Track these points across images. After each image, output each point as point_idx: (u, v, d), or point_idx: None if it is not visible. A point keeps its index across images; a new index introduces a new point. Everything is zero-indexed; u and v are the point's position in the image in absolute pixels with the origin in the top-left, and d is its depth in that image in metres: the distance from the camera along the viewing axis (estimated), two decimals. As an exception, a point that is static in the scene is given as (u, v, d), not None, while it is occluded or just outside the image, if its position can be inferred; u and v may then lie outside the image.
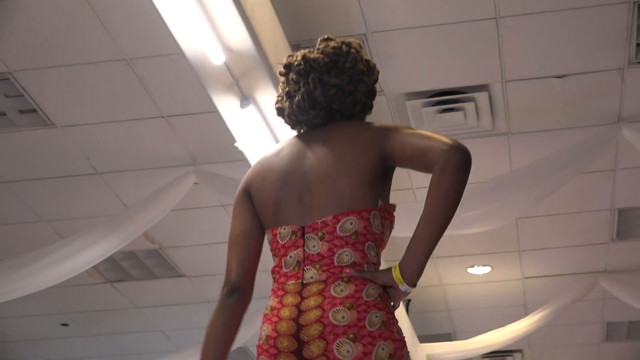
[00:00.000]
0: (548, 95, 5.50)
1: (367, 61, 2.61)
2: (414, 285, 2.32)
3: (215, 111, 4.40)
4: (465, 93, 5.48)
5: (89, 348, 9.40)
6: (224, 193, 6.00)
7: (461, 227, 6.05)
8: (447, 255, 7.50)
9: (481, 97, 5.48)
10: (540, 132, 5.85)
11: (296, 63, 2.56)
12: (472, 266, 7.81)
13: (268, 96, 4.30)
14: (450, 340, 8.94)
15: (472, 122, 5.69)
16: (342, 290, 2.32)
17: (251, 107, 4.29)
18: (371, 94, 2.61)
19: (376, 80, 2.64)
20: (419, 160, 2.33)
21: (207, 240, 7.22)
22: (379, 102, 5.49)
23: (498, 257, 7.69)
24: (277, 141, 4.48)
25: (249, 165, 4.69)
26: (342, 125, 2.53)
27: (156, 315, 8.65)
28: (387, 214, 2.43)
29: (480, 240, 7.23)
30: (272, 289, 2.48)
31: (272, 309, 2.43)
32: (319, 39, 2.62)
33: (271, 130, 4.48)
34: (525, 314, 8.27)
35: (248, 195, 2.56)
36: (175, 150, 5.91)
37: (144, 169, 6.13)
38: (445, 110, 5.59)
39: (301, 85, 2.54)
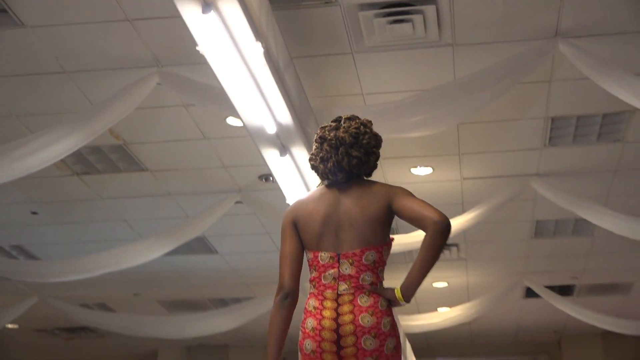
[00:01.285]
0: (492, 9, 5.50)
1: (376, 135, 3.60)
2: (409, 302, 3.38)
3: (178, 16, 4.35)
4: (414, 5, 5.46)
5: (57, 235, 9.43)
6: (186, 93, 5.98)
7: (406, 131, 6.11)
8: (392, 156, 7.58)
9: (429, 9, 5.46)
10: (483, 44, 5.86)
11: (329, 138, 3.53)
12: (415, 167, 7.89)
13: (229, 4, 4.27)
14: (393, 234, 9.09)
15: (419, 33, 5.69)
16: (365, 301, 3.36)
17: (212, 13, 4.26)
18: (378, 159, 3.60)
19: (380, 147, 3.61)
20: (416, 222, 3.36)
21: (169, 137, 7.22)
22: (332, 13, 5.46)
23: (439, 159, 7.78)
24: (235, 45, 4.50)
25: (210, 68, 4.70)
26: (360, 184, 3.55)
27: (120, 206, 8.68)
28: (389, 245, 3.50)
29: (423, 143, 7.31)
30: (312, 293, 3.45)
31: (315, 308, 3.40)
32: (344, 118, 3.57)
33: (231, 36, 4.46)
34: (462, 212, 8.42)
35: (295, 225, 3.52)
36: (139, 52, 5.84)
37: (110, 69, 6.06)
38: (395, 22, 5.57)
39: (332, 155, 3.52)
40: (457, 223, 8.10)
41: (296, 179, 6.06)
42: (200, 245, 9.73)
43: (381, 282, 3.44)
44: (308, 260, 3.52)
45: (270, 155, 5.74)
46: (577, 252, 10.30)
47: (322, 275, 3.45)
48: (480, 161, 7.84)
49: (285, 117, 5.25)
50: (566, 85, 6.46)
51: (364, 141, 3.55)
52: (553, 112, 6.85)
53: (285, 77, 5.10)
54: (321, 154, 3.56)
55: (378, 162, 3.62)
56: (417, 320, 11.24)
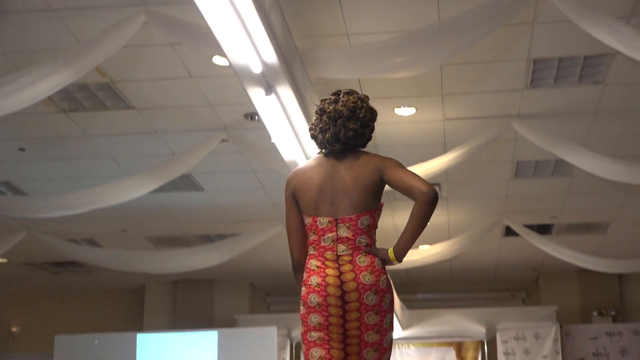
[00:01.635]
0: (476, -48, 5.48)
1: (372, 110, 3.82)
2: (400, 262, 3.72)
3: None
4: (400, -54, 5.43)
5: (44, 171, 9.43)
6: (172, 32, 5.95)
7: (390, 72, 6.11)
8: (376, 96, 7.56)
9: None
10: (467, -14, 5.84)
11: (329, 111, 3.77)
12: (399, 107, 7.89)
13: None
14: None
15: (405, -26, 5.66)
16: (363, 261, 3.66)
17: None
18: (373, 132, 3.85)
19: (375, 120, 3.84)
20: (405, 192, 3.62)
21: (156, 75, 7.19)
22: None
23: (422, 100, 7.79)
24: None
25: (196, 7, 4.68)
26: (355, 154, 3.78)
27: (107, 143, 8.67)
28: (380, 209, 3.76)
29: (407, 84, 7.31)
30: (313, 255, 3.73)
31: (317, 267, 3.68)
32: (343, 92, 3.79)
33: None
34: (444, 151, 8.47)
35: (293, 196, 3.78)
36: (126, -11, 5.80)
37: (97, 7, 6.01)
38: (380, -38, 5.54)
39: (331, 127, 3.75)
40: (439, 163, 8.15)
41: (281, 118, 6.07)
42: (186, 183, 9.76)
43: (374, 244, 3.75)
44: (307, 225, 3.78)
45: (256, 94, 5.74)
46: (556, 192, 10.39)
47: (322, 238, 3.73)
48: (463, 102, 7.86)
49: (271, 56, 5.24)
50: (549, 28, 6.46)
51: (361, 115, 3.78)
52: (535, 54, 6.86)
53: (271, 16, 5.08)
54: (320, 125, 3.81)
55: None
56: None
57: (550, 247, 11.11)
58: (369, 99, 3.84)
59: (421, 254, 11.34)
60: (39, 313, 15.67)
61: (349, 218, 3.70)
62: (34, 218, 9.90)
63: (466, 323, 13.90)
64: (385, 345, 3.72)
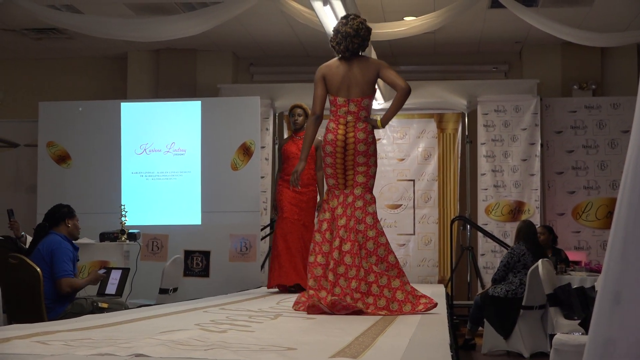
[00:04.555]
0: None
1: (369, 29, 6.54)
2: (384, 127, 6.65)
3: None
4: None
5: None
6: None
7: None
8: None
9: None
10: None
11: (341, 31, 6.48)
12: None
13: None
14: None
15: None
16: (360, 125, 6.50)
17: None
18: (368, 43, 6.59)
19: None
20: (390, 85, 6.40)
21: None
22: None
23: None
24: None
25: None
26: (359, 58, 6.56)
27: None
28: (374, 94, 6.62)
29: None
30: (331, 119, 6.55)
31: (333, 128, 6.53)
32: (350, 17, 6.53)
33: None
34: None
35: (323, 79, 6.53)
36: None
37: None
38: None
39: (343, 41, 6.48)
40: None
41: None
42: None
43: (369, 115, 6.61)
44: (329, 100, 6.60)
45: None
46: (544, -37, 10.20)
47: (338, 110, 6.57)
48: None
49: None
50: None
51: (362, 33, 6.53)
52: None
53: None
54: (337, 40, 6.56)
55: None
56: (382, 29, 11.25)
57: (535, 20, 11.01)
58: (366, 21, 6.56)
59: (406, 25, 11.25)
60: (22, 80, 15.67)
61: (356, 99, 6.50)
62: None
63: (448, 95, 14.04)
64: (370, 173, 6.59)
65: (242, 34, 13.73)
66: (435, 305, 6.43)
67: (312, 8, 8.55)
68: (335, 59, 6.55)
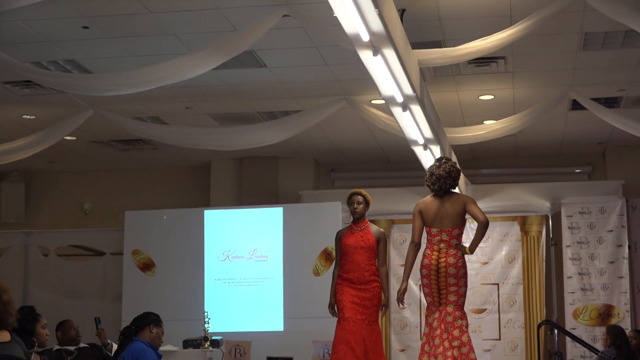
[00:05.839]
0: None
1: (459, 170, 7.75)
2: (472, 254, 7.66)
3: None
4: None
5: (108, 49, 9.52)
6: None
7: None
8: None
9: None
10: None
11: (435, 173, 7.63)
12: (464, -22, 7.76)
13: None
14: (440, 47, 9.03)
15: None
16: (452, 252, 7.59)
17: None
18: (458, 181, 7.76)
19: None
20: (473, 218, 7.50)
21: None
22: None
23: (488, -30, 7.61)
24: None
25: None
26: (450, 195, 7.66)
27: (170, 20, 8.69)
28: (465, 224, 7.77)
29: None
30: (427, 247, 7.69)
31: (428, 254, 7.64)
32: (443, 160, 7.76)
33: None
34: (510, 24, 8.30)
35: (420, 213, 7.66)
36: None
37: None
38: None
39: (437, 182, 7.63)
40: (505, 35, 8.00)
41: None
42: (249, 59, 9.77)
43: (460, 242, 7.62)
44: (425, 230, 7.66)
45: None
46: (625, 64, 10.17)
47: (432, 239, 7.63)
48: (530, -29, 7.64)
49: None
50: None
51: (453, 175, 7.64)
52: None
53: None
54: (432, 180, 7.63)
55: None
56: (463, 133, 11.30)
57: (617, 121, 10.92)
58: (457, 163, 7.57)
59: (486, 129, 11.27)
60: (108, 190, 16.09)
61: (447, 230, 7.55)
62: (100, 96, 10.07)
63: (531, 197, 13.89)
64: (460, 293, 7.57)
65: (323, 141, 13.92)
66: None
67: (391, 114, 8.62)
68: (430, 195, 7.67)
